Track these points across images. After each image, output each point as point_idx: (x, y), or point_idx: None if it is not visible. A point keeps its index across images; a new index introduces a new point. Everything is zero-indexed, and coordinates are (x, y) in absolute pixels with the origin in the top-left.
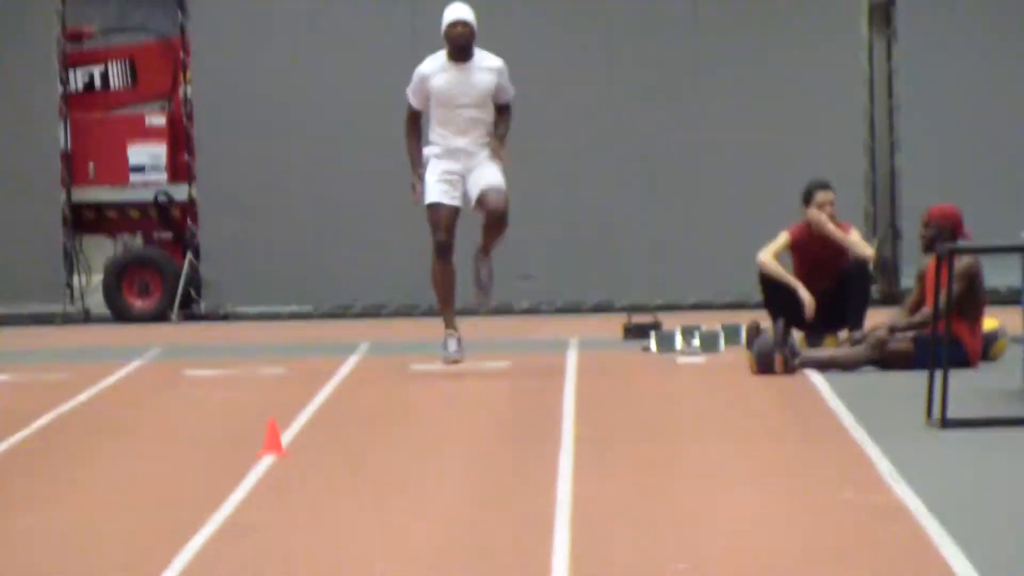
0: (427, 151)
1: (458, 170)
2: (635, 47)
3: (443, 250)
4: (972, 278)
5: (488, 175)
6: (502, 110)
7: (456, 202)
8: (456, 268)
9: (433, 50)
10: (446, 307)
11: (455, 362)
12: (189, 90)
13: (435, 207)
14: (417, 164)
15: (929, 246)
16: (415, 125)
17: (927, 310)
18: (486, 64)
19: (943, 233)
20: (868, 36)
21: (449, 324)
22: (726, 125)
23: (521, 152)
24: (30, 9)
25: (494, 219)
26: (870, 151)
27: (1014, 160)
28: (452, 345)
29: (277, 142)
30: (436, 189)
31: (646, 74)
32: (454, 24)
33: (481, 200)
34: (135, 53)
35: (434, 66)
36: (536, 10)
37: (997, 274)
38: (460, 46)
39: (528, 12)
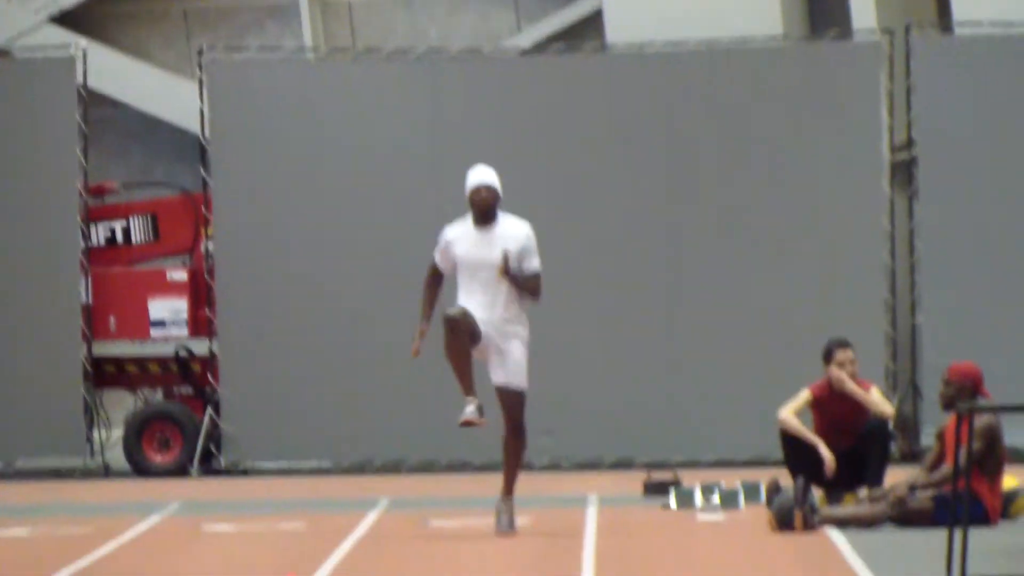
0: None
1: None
2: (657, 203)
3: (455, 325)
4: (992, 436)
5: (507, 368)
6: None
7: (479, 323)
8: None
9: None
10: (463, 376)
11: (470, 423)
12: (210, 245)
13: (450, 309)
14: (425, 317)
15: (949, 404)
16: (434, 281)
17: (947, 468)
18: (510, 229)
19: (963, 391)
20: (890, 194)
21: (467, 391)
22: (747, 283)
23: (542, 312)
24: (53, 164)
25: (509, 425)
26: (891, 309)
27: None
28: (469, 407)
29: (297, 298)
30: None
31: (667, 231)
32: (477, 189)
33: (497, 395)
34: (157, 208)
35: (458, 230)
36: (556, 169)
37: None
38: (483, 210)
39: (546, 166)
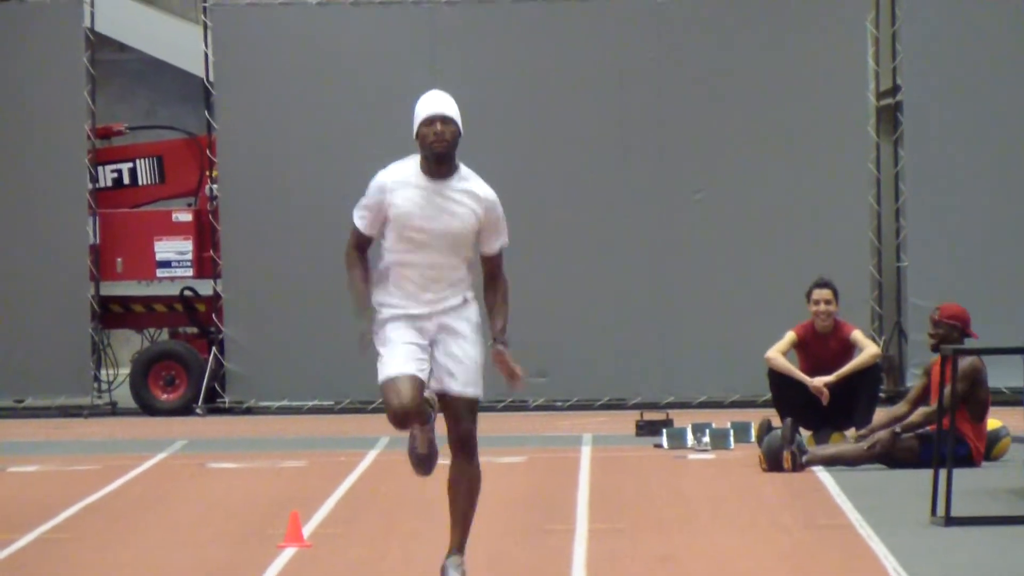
0: (381, 315)
1: (423, 342)
2: (648, 149)
3: (404, 420)
4: (975, 378)
5: (460, 365)
6: (490, 268)
7: (422, 372)
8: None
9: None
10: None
11: None
12: (215, 187)
13: (392, 379)
14: (363, 311)
15: (937, 345)
16: (360, 256)
17: (926, 409)
18: (471, 188)
19: (953, 332)
20: (875, 139)
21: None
22: (735, 226)
23: (533, 252)
24: (60, 107)
25: (457, 443)
26: (877, 252)
27: (1018, 261)
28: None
29: (301, 240)
30: (396, 358)
31: (658, 174)
32: (430, 120)
33: (444, 408)
34: (163, 150)
35: (398, 176)
36: (553, 114)
37: (1000, 375)
38: (438, 153)
39: (542, 111)
